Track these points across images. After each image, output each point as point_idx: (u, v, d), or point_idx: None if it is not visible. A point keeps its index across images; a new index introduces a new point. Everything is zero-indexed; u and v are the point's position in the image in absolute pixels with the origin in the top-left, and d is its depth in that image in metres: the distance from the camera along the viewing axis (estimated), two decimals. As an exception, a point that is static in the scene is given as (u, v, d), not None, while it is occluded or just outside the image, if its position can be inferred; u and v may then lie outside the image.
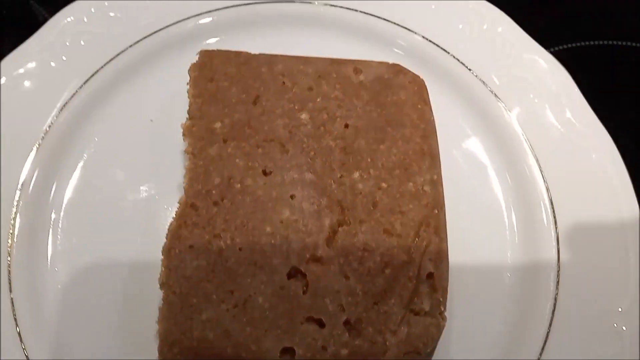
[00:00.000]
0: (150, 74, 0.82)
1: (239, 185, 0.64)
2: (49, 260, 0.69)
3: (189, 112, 0.69)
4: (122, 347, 0.65)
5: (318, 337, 0.58)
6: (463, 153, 0.79)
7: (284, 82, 0.71)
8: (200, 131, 0.67)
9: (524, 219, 0.75)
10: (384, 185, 0.66)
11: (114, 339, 0.66)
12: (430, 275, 0.62)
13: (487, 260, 0.73)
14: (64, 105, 0.77)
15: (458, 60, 0.83)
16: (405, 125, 0.70)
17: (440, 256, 0.63)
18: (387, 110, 0.70)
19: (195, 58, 0.72)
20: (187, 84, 0.71)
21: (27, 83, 0.77)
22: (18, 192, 0.71)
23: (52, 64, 0.78)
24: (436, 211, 0.65)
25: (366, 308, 0.59)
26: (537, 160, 0.77)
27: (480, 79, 0.82)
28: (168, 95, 0.80)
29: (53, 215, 0.71)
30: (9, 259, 0.67)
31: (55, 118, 0.76)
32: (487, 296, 0.71)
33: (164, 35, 0.82)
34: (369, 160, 0.67)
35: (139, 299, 0.67)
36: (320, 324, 0.58)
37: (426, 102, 0.73)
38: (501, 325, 0.69)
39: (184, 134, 0.68)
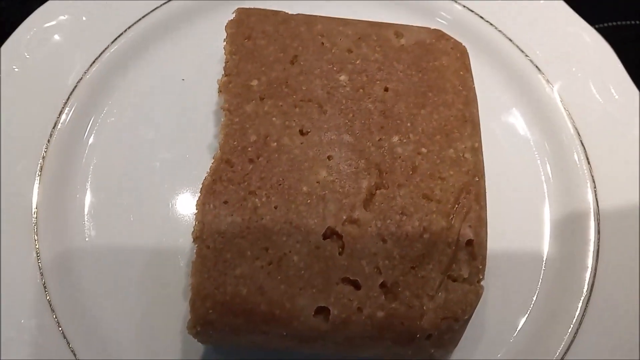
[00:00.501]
0: (182, 33, 0.80)
1: (275, 143, 0.63)
2: (77, 215, 0.67)
3: (225, 68, 0.67)
4: (149, 304, 0.64)
5: (354, 298, 0.56)
6: (502, 125, 0.77)
7: (322, 43, 0.69)
8: (237, 88, 0.66)
9: (563, 193, 0.73)
10: (423, 150, 0.64)
11: (140, 296, 0.65)
12: (469, 243, 0.60)
13: (523, 236, 0.71)
14: (94, 61, 0.75)
15: (500, 31, 0.80)
16: (447, 91, 0.68)
17: (480, 224, 0.62)
18: (428, 75, 0.68)
19: (231, 16, 0.71)
20: (224, 40, 0.69)
21: (56, 37, 0.76)
22: (45, 146, 0.69)
23: (84, 18, 0.77)
24: (477, 179, 0.63)
25: (403, 272, 0.58)
26: (578, 135, 0.75)
27: (522, 51, 0.79)
28: (200, 56, 0.79)
29: (82, 172, 0.70)
30: (34, 215, 0.66)
31: (84, 74, 0.74)
32: (522, 269, 0.69)
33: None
34: (408, 124, 0.65)
35: (167, 256, 0.66)
36: (356, 286, 0.57)
37: (468, 69, 0.71)
38: (534, 301, 0.68)
39: (219, 91, 0.66)
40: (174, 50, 0.79)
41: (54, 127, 0.70)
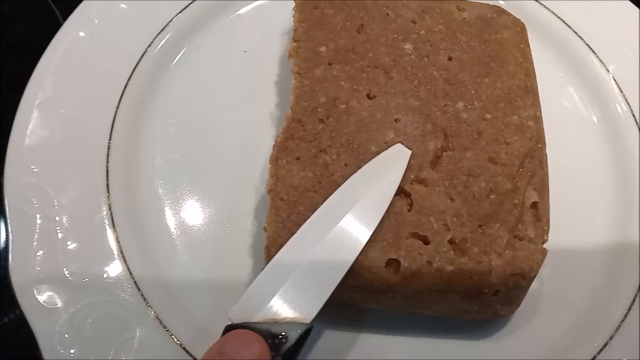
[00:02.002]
0: (245, 7, 0.82)
1: (344, 105, 0.65)
2: (146, 174, 0.69)
3: (294, 35, 0.69)
4: (216, 261, 0.65)
5: (423, 252, 0.57)
6: (559, 101, 0.78)
7: (387, 14, 0.71)
8: (306, 53, 0.68)
9: (621, 177, 0.74)
10: (488, 116, 0.65)
11: (207, 253, 0.66)
12: (534, 205, 0.61)
13: (581, 214, 0.72)
14: (160, 32, 0.77)
15: (554, 13, 0.82)
16: (509, 62, 0.69)
17: (544, 187, 0.63)
18: (490, 47, 0.70)
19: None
20: (293, 9, 0.71)
21: (123, 5, 0.78)
22: (114, 110, 0.71)
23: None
24: (540, 145, 0.65)
25: (471, 230, 0.59)
26: (632, 115, 0.76)
27: (576, 33, 0.81)
28: (262, 29, 0.81)
29: (151, 137, 0.72)
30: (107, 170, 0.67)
31: (150, 44, 0.76)
32: (582, 246, 0.69)
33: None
34: (473, 92, 0.67)
35: (236, 213, 0.67)
36: (425, 241, 0.58)
37: (527, 43, 0.73)
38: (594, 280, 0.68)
39: (289, 55, 0.68)
40: (236, 24, 0.81)
41: (121, 95, 0.72)
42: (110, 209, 0.64)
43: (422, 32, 0.70)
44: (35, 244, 0.60)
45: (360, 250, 0.55)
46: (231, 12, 0.82)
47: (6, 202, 0.62)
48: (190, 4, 0.80)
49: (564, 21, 0.82)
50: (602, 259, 0.68)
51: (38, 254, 0.60)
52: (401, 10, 0.72)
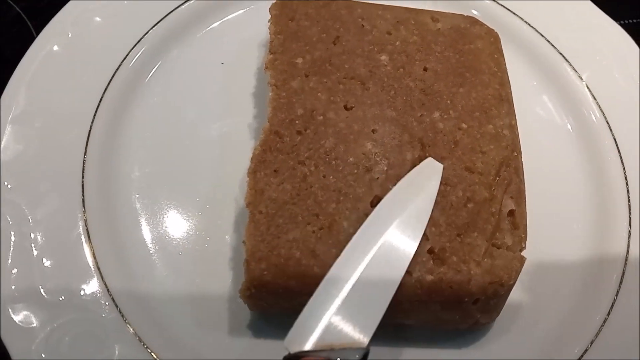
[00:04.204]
0: (220, 19, 0.82)
1: (321, 117, 0.65)
2: (124, 190, 0.69)
3: (270, 47, 0.69)
4: (195, 275, 0.65)
5: (403, 262, 0.57)
6: (532, 110, 0.79)
7: (363, 25, 0.72)
8: (283, 65, 0.68)
9: (596, 183, 0.75)
10: (464, 125, 0.66)
11: (186, 266, 0.65)
12: (511, 213, 0.62)
13: (558, 221, 0.72)
14: (135, 45, 0.77)
15: (527, 23, 0.84)
16: (484, 72, 0.70)
17: (521, 195, 0.64)
18: (464, 57, 0.71)
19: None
20: (269, 21, 0.71)
21: (97, 18, 0.77)
22: (89, 123, 0.70)
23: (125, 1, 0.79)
24: (515, 154, 0.66)
25: (450, 239, 0.59)
26: (606, 120, 0.77)
27: (549, 42, 0.82)
28: (238, 41, 0.81)
29: (126, 151, 0.71)
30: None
31: (125, 57, 0.75)
32: (559, 252, 0.70)
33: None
34: (448, 102, 0.67)
35: (215, 226, 0.67)
36: (405, 251, 0.58)
37: (501, 53, 0.74)
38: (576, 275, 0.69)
39: (266, 67, 0.68)
40: (213, 36, 0.81)
41: (96, 109, 0.71)
42: (86, 224, 0.64)
43: (397, 43, 0.71)
44: (9, 262, 0.59)
45: (407, 265, 0.56)
46: (207, 25, 0.82)
47: (-21, 220, 0.61)
48: (165, 17, 0.79)
49: (537, 30, 0.84)
50: (579, 264, 0.69)
51: (13, 272, 0.59)
52: (376, 21, 0.72)
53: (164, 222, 0.67)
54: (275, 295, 0.58)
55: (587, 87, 0.80)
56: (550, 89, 0.81)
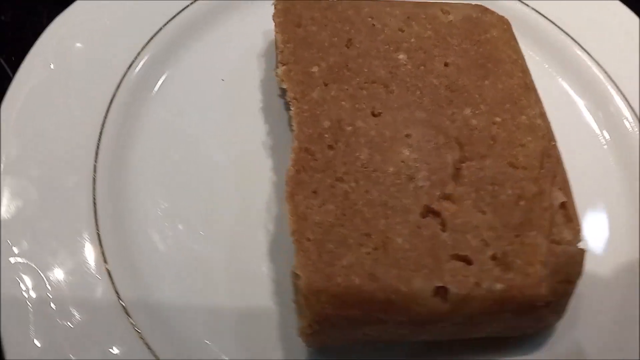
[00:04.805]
0: (213, 34, 0.76)
1: (350, 127, 0.60)
2: (139, 232, 0.62)
3: (281, 58, 0.64)
4: (234, 314, 0.59)
5: (468, 274, 0.53)
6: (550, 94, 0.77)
7: (373, 25, 0.68)
8: (298, 75, 0.63)
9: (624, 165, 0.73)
10: (497, 119, 0.63)
11: (223, 303, 0.59)
12: (563, 205, 0.59)
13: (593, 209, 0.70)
14: (126, 71, 0.70)
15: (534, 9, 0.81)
16: (505, 61, 0.67)
17: (567, 186, 0.61)
18: (483, 48, 0.68)
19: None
20: (275, 31, 0.66)
21: (79, 45, 0.70)
22: (95, 149, 0.63)
23: (107, 22, 0.72)
24: (553, 142, 0.63)
25: (510, 241, 0.55)
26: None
27: (556, 25, 0.80)
28: (237, 55, 0.75)
29: (135, 180, 0.64)
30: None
31: (118, 86, 0.69)
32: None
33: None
34: (476, 96, 0.64)
35: (248, 258, 0.61)
36: (467, 261, 0.54)
37: (515, 40, 0.71)
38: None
39: (281, 80, 0.63)
40: (207, 52, 0.75)
41: (97, 144, 0.64)
42: (110, 276, 0.57)
43: (412, 40, 0.67)
44: (32, 333, 0.52)
45: None
46: (199, 41, 0.75)
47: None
48: (150, 40, 0.72)
49: (541, 14, 0.81)
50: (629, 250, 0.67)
51: (37, 344, 0.52)
52: (386, 19, 0.68)
53: (191, 264, 0.61)
54: (339, 327, 0.53)
55: (599, 65, 0.78)
56: (561, 71, 0.79)
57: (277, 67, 0.68)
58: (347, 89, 0.62)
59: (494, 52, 0.68)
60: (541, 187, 0.59)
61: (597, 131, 0.76)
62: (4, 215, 0.56)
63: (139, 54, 0.70)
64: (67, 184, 0.61)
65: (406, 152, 0.59)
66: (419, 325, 0.54)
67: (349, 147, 0.59)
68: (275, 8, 0.68)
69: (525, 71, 0.68)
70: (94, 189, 0.61)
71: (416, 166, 0.58)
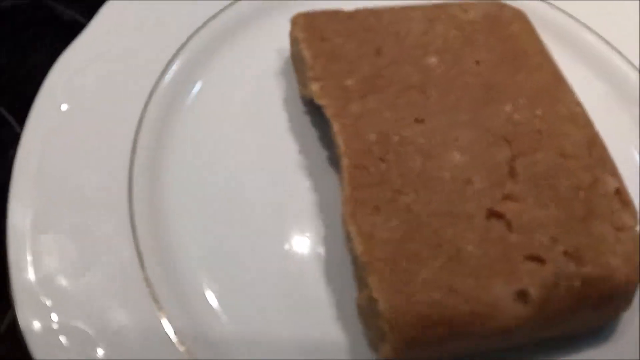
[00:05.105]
0: (226, 56, 0.73)
1: (397, 137, 0.58)
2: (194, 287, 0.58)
3: (312, 75, 0.62)
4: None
5: (545, 274, 0.52)
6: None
7: (397, 31, 0.66)
8: (334, 90, 0.61)
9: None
10: (538, 112, 0.62)
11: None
12: (617, 191, 0.58)
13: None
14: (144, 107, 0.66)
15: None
16: (531, 54, 0.67)
17: (616, 170, 0.60)
18: (508, 43, 0.67)
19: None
20: (301, 47, 0.64)
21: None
22: (129, 214, 0.59)
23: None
24: (594, 130, 0.62)
25: (578, 234, 0.54)
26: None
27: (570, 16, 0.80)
28: (252, 73, 0.72)
29: (174, 223, 0.60)
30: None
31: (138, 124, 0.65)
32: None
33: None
34: (513, 91, 0.63)
35: (306, 287, 0.58)
36: (541, 260, 0.53)
37: (536, 31, 0.70)
38: None
39: (317, 97, 0.61)
40: (219, 76, 0.72)
41: (129, 191, 0.60)
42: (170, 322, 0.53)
43: (439, 42, 0.66)
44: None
45: None
46: (207, 68, 0.72)
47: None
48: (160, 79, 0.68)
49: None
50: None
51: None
52: (408, 23, 0.67)
53: (243, 300, 0.57)
54: (423, 349, 0.50)
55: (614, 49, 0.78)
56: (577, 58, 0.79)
57: (302, 83, 0.66)
58: (385, 99, 0.61)
59: (519, 46, 0.67)
60: (595, 175, 0.58)
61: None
62: (36, 275, 0.52)
63: (154, 88, 0.67)
64: (105, 229, 0.56)
65: (457, 155, 0.58)
66: (503, 332, 0.52)
67: (400, 157, 0.57)
68: (294, 24, 0.66)
69: (552, 61, 0.67)
70: (133, 233, 0.57)
71: (470, 169, 0.57)
